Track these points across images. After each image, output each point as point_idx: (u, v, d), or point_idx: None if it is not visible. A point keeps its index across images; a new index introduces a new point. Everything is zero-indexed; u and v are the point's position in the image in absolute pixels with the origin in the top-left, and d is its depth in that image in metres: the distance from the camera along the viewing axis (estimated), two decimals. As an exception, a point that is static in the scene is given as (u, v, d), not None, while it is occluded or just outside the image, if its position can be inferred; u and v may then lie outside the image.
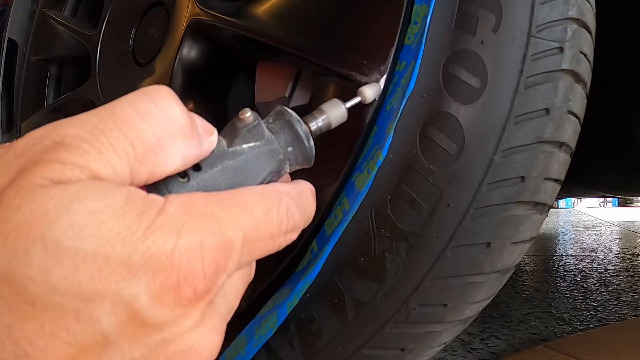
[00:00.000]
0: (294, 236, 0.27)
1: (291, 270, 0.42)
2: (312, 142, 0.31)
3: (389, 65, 0.37)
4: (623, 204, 4.95)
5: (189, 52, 0.53)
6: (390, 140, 0.36)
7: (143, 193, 0.22)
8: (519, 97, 0.34)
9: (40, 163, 0.20)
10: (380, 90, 0.36)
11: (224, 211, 0.23)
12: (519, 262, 0.45)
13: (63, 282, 0.19)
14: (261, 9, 0.46)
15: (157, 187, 0.25)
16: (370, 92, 0.35)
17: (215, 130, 0.27)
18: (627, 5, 0.66)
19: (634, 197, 4.44)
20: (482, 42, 0.35)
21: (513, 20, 0.34)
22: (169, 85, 0.53)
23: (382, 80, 0.37)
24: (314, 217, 0.41)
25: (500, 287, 0.40)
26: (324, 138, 0.40)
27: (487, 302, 0.40)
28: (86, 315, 0.19)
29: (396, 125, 0.36)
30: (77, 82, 0.85)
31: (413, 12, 0.37)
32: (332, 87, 0.41)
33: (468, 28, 0.35)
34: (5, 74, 0.95)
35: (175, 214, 0.21)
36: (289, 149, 0.30)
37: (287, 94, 0.43)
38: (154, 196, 0.22)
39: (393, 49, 0.37)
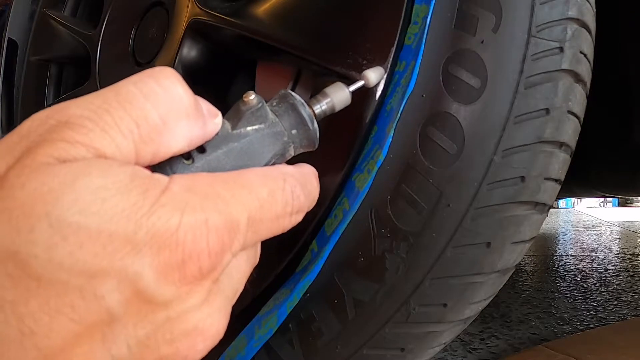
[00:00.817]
0: (299, 218, 0.26)
1: (291, 270, 0.42)
2: (316, 125, 0.31)
3: (389, 65, 0.37)
4: (623, 204, 4.96)
5: (189, 52, 0.53)
6: (390, 140, 0.36)
7: (148, 172, 0.22)
8: (519, 97, 0.34)
9: (45, 143, 0.20)
10: (384, 74, 0.35)
11: (229, 191, 0.23)
12: (519, 262, 0.45)
13: (67, 259, 0.19)
14: (261, 9, 0.46)
15: (161, 167, 0.25)
16: (373, 75, 0.34)
17: (219, 113, 0.27)
18: (627, 5, 0.66)
19: (634, 197, 4.44)
20: (482, 42, 0.35)
21: (513, 20, 0.34)
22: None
23: (382, 80, 0.37)
24: (314, 218, 0.41)
25: (500, 287, 0.40)
26: (324, 138, 0.40)
27: (487, 302, 0.40)
28: (91, 292, 0.19)
29: (396, 125, 0.36)
30: (77, 82, 0.85)
31: (413, 12, 0.37)
32: (332, 87, 0.41)
33: (468, 28, 0.35)
34: (5, 74, 0.95)
35: (180, 192, 0.21)
36: (293, 131, 0.30)
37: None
38: (158, 175, 0.22)
39: (393, 49, 0.37)
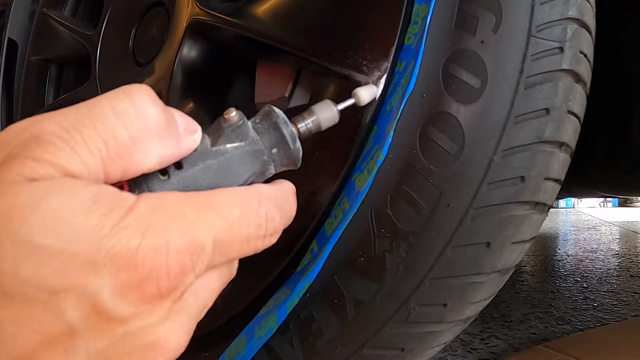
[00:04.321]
0: (273, 240, 0.27)
1: (291, 270, 0.42)
2: (298, 145, 0.30)
3: (389, 65, 0.37)
4: (623, 204, 4.95)
5: (189, 52, 0.53)
6: (390, 140, 0.36)
7: (114, 191, 0.22)
8: (519, 97, 0.34)
9: (15, 159, 0.21)
10: (377, 94, 0.35)
11: (197, 212, 0.23)
12: (519, 262, 0.45)
13: (32, 276, 0.20)
14: (261, 9, 0.46)
15: (137, 183, 0.26)
16: (365, 94, 0.33)
17: (198, 129, 0.27)
18: (627, 4, 0.66)
19: (634, 197, 4.45)
20: (482, 42, 0.35)
21: (513, 20, 0.34)
22: (169, 85, 0.53)
23: (382, 80, 0.37)
24: (314, 217, 0.41)
25: (500, 287, 0.40)
26: (324, 138, 0.40)
27: (487, 302, 0.40)
28: (53, 307, 0.20)
29: (396, 125, 0.36)
30: (77, 82, 0.85)
31: (413, 12, 0.37)
32: (332, 87, 0.41)
33: (468, 28, 0.35)
34: (5, 74, 0.95)
35: (145, 213, 0.22)
36: (274, 150, 0.29)
37: (287, 94, 0.43)
38: (125, 194, 0.22)
39: (393, 49, 0.37)
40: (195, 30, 0.52)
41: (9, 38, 0.93)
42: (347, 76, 0.39)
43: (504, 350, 0.82)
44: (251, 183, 0.29)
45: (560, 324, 0.96)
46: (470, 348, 0.82)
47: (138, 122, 0.23)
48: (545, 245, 2.16)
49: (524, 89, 0.34)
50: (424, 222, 0.36)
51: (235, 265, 0.28)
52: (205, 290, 0.26)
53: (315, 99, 0.42)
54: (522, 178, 0.35)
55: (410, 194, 0.36)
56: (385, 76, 0.37)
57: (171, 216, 0.22)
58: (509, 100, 0.34)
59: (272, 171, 0.30)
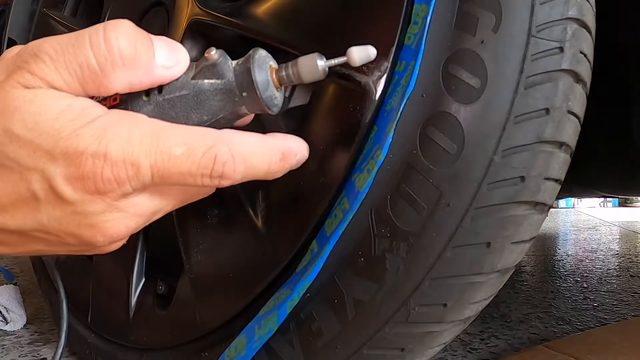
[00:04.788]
0: (224, 182, 0.31)
1: (291, 270, 0.42)
2: (269, 92, 0.31)
3: (389, 65, 0.37)
4: (623, 204, 4.95)
5: (189, 52, 0.53)
6: (390, 140, 0.36)
7: (86, 105, 0.29)
8: (519, 97, 0.34)
9: (19, 70, 0.28)
10: (372, 57, 0.33)
11: (141, 138, 0.29)
12: (519, 262, 0.45)
13: (12, 154, 0.28)
14: (261, 9, 0.46)
15: (123, 99, 0.31)
16: (358, 53, 0.31)
17: (180, 62, 0.32)
18: (627, 4, 0.65)
19: (634, 197, 4.44)
20: (482, 42, 0.35)
21: (513, 20, 0.34)
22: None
23: (382, 80, 0.37)
24: (315, 217, 0.41)
25: (500, 287, 0.40)
26: (325, 138, 0.40)
27: (487, 302, 0.40)
28: (25, 178, 0.29)
29: (396, 125, 0.36)
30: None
31: (413, 12, 0.37)
32: (332, 87, 0.41)
33: (468, 28, 0.35)
34: (5, 74, 0.95)
35: (99, 127, 0.28)
36: (244, 94, 0.31)
37: (287, 94, 0.43)
38: (93, 109, 0.29)
39: (393, 49, 0.37)
40: (195, 30, 0.52)
41: (9, 38, 0.93)
42: (347, 76, 0.39)
43: (504, 350, 0.82)
44: (222, 119, 0.32)
45: (560, 324, 0.96)
46: (470, 348, 0.82)
47: (105, 53, 0.28)
48: (545, 245, 2.16)
49: (524, 89, 0.34)
50: (424, 222, 0.36)
51: (177, 200, 0.34)
52: (149, 201, 0.32)
53: (316, 99, 0.42)
54: (522, 178, 0.35)
55: (410, 194, 0.36)
56: (385, 76, 0.37)
57: (118, 135, 0.28)
58: (509, 100, 0.34)
59: (245, 112, 0.32)
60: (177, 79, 0.31)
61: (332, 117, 0.40)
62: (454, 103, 0.35)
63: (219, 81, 0.31)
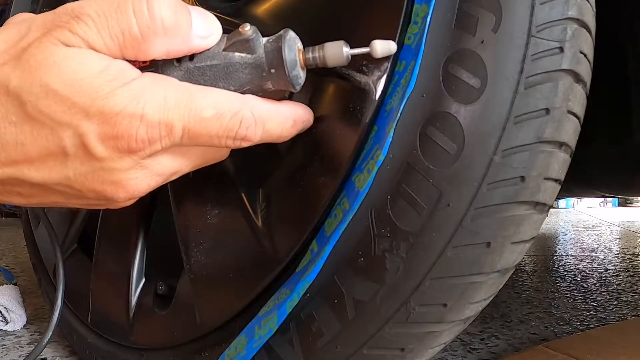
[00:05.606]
0: (244, 144, 0.33)
1: (291, 270, 0.42)
2: (296, 72, 0.34)
3: (389, 65, 0.37)
4: (623, 204, 4.95)
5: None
6: (390, 140, 0.36)
7: (123, 67, 0.30)
8: (519, 97, 0.34)
9: (60, 27, 0.29)
10: (393, 51, 0.36)
11: (177, 101, 0.30)
12: (519, 262, 0.45)
13: (46, 109, 0.29)
14: (261, 9, 0.46)
15: (157, 63, 0.32)
16: (380, 46, 0.34)
17: (214, 33, 0.33)
18: (627, 5, 0.65)
19: (634, 197, 4.44)
20: (482, 42, 0.35)
21: (513, 20, 0.34)
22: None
23: (382, 80, 0.37)
24: (314, 217, 0.41)
25: (500, 287, 0.40)
26: (324, 138, 0.40)
27: (487, 302, 0.40)
28: (57, 133, 0.29)
29: (396, 125, 0.36)
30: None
31: (413, 12, 0.37)
32: (332, 86, 0.41)
33: (468, 28, 0.35)
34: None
35: (136, 89, 0.29)
36: (272, 70, 0.33)
37: (286, 94, 0.43)
38: (131, 71, 0.30)
39: (393, 49, 0.37)
40: (195, 30, 0.52)
41: (9, 38, 0.93)
42: (346, 76, 0.39)
43: (504, 350, 0.82)
44: (247, 91, 0.34)
45: (560, 324, 0.96)
46: (470, 348, 0.82)
47: (147, 21, 0.29)
48: (545, 245, 2.16)
49: (524, 89, 0.34)
50: (424, 222, 0.36)
51: (200, 159, 0.35)
52: (171, 161, 0.33)
53: (315, 99, 0.42)
54: (522, 178, 0.35)
55: (410, 194, 0.36)
56: (385, 76, 0.37)
57: (155, 97, 0.29)
58: (509, 100, 0.34)
59: (270, 87, 0.34)
60: (209, 49, 0.33)
61: (332, 117, 0.40)
62: (454, 103, 0.35)
63: (249, 56, 0.33)
